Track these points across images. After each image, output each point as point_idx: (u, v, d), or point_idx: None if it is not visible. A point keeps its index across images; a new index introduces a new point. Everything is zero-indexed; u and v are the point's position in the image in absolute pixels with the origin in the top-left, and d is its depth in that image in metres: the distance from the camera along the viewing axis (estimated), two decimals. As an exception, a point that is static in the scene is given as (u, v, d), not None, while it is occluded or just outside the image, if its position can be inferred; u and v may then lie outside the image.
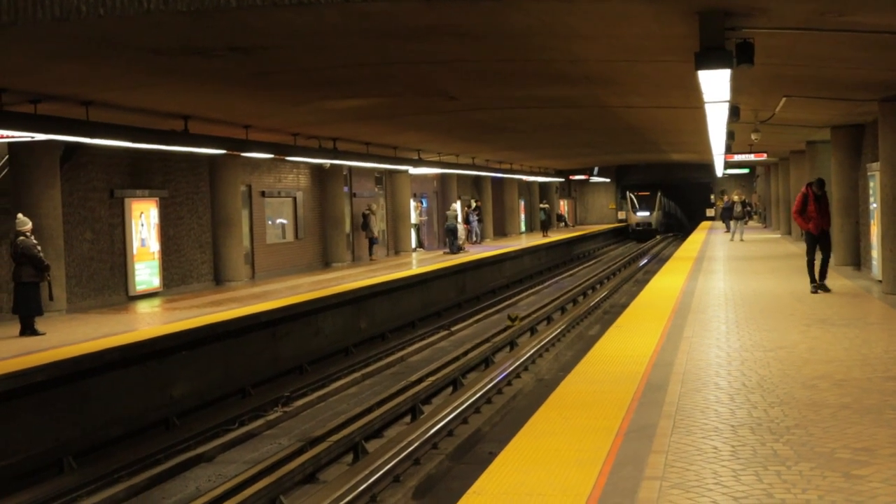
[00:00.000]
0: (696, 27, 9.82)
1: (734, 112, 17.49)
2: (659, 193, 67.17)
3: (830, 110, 20.17)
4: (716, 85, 11.51)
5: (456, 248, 35.58)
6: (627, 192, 67.86)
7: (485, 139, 29.42)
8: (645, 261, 43.44)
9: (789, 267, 23.41)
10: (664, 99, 19.18)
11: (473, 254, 34.71)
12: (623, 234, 67.60)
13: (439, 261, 31.60)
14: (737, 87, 13.08)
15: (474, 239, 41.43)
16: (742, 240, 36.50)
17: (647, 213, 67.03)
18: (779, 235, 39.40)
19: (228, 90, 15.37)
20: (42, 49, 11.08)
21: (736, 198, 39.22)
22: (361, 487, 10.12)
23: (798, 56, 13.01)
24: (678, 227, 74.77)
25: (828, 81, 15.83)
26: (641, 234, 66.43)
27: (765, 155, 34.44)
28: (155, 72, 13.11)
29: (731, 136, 23.95)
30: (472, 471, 8.71)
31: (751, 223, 46.09)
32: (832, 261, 24.01)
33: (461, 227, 36.59)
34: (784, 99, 17.91)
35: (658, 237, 66.89)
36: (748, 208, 42.67)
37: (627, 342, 12.45)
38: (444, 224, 40.94)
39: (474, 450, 12.48)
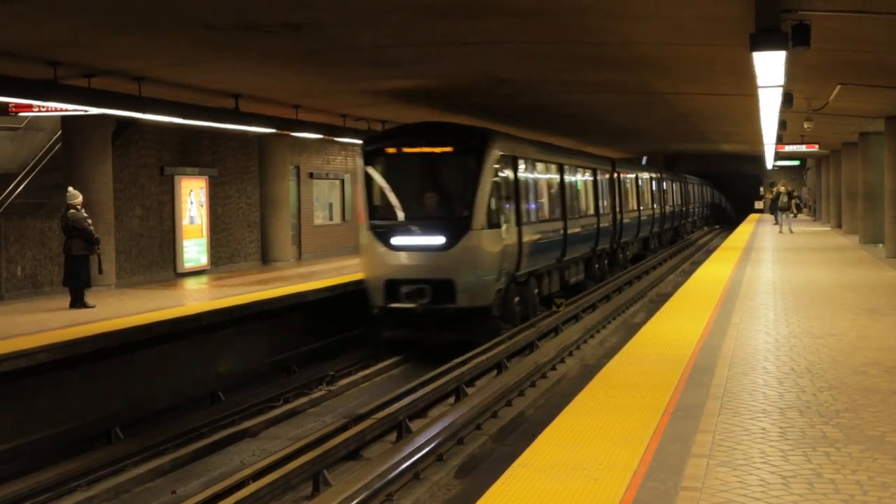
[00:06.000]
0: (751, 8, 9.71)
1: (787, 99, 17.27)
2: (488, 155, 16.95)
3: (886, 99, 19.88)
4: (770, 68, 11.37)
5: None
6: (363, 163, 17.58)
7: (532, 124, 29.27)
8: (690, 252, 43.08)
9: (839, 258, 23.15)
10: (715, 85, 18.99)
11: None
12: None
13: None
14: (791, 73, 12.92)
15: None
16: (791, 231, 36.14)
17: (432, 239, 16.71)
18: (829, 228, 38.96)
19: (280, 68, 15.42)
20: (95, 20, 11.16)
21: (782, 189, 38.78)
22: (405, 465, 10.12)
23: (854, 41, 12.84)
24: (725, 219, 74.26)
25: (884, 69, 15.60)
26: (403, 325, 17.13)
27: (816, 146, 34.02)
28: (207, 48, 13.18)
29: (782, 125, 23.69)
30: (516, 451, 8.64)
31: (800, 216, 45.58)
32: (883, 252, 23.75)
33: None
34: (839, 87, 17.67)
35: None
36: (795, 200, 42.24)
37: (674, 327, 12.38)
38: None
39: (517, 431, 12.45)
